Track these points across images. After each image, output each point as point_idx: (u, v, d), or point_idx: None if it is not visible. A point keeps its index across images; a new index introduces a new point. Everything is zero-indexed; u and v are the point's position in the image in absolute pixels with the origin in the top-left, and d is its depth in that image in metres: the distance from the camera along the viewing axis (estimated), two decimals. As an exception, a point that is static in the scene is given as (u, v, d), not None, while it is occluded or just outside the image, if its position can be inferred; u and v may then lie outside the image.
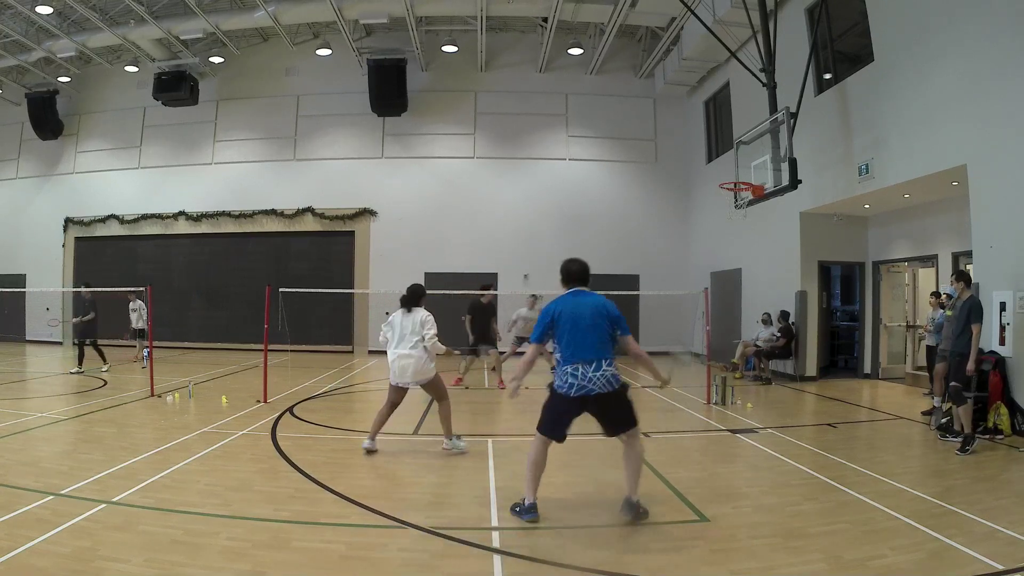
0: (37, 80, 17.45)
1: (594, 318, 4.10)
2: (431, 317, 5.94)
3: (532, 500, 4.18)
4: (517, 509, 4.22)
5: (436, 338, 5.86)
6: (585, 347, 4.03)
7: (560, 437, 4.23)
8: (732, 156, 11.71)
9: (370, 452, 5.96)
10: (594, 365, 4.01)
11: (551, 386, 4.20)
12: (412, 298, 6.02)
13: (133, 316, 13.51)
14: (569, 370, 4.04)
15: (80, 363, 11.81)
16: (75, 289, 16.47)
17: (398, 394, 6.07)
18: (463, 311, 10.71)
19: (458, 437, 6.15)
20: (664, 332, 16.23)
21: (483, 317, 10.48)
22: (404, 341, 5.89)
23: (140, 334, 13.56)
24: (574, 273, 4.34)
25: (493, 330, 10.58)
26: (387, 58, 15.87)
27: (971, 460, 5.83)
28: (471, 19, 14.98)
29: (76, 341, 12.18)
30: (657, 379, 4.48)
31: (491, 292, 10.77)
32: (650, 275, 16.38)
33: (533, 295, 11.66)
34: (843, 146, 10.29)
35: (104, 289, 12.65)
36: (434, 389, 6.04)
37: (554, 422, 4.19)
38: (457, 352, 6.48)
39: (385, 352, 6.25)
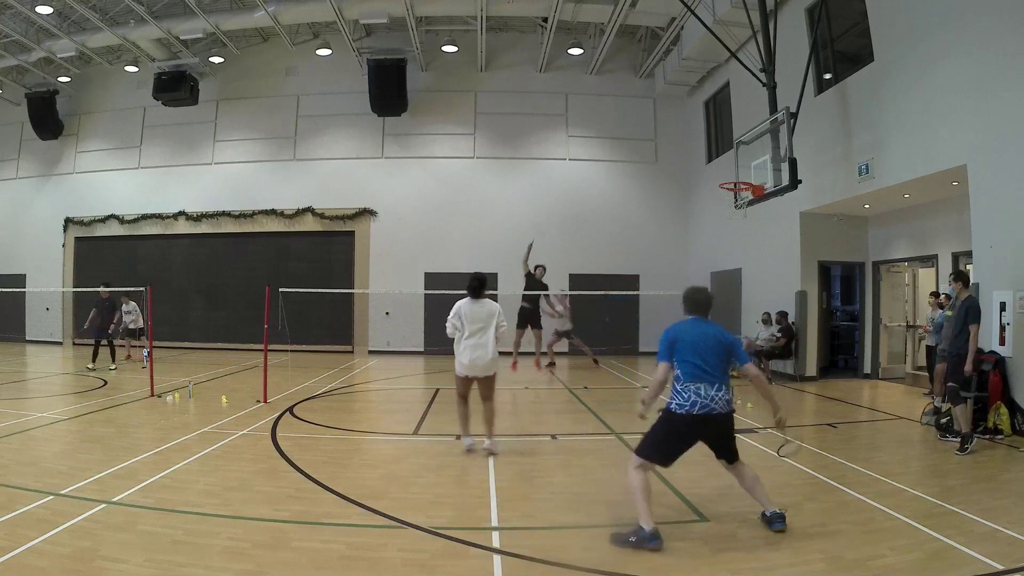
0: (37, 80, 17.44)
1: (716, 344, 4.07)
2: (501, 310, 5.89)
3: (652, 526, 3.81)
4: (633, 540, 3.79)
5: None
6: (708, 369, 3.97)
7: (667, 461, 4.07)
8: (732, 156, 11.71)
9: (471, 451, 5.92)
10: (716, 386, 3.95)
11: (665, 409, 4.07)
12: (481, 287, 5.88)
13: (127, 318, 13.64)
14: (692, 388, 3.94)
15: (94, 359, 12.00)
16: (75, 289, 16.56)
17: (467, 386, 5.96)
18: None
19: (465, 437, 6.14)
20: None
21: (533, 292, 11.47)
22: (482, 332, 5.75)
23: (132, 334, 13.68)
24: (700, 303, 4.28)
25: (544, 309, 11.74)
26: (387, 58, 15.86)
27: (971, 460, 5.83)
28: (471, 19, 14.98)
29: (96, 340, 12.25)
30: (775, 412, 4.29)
31: (542, 267, 11.88)
32: (650, 275, 16.37)
33: (562, 292, 13.22)
34: (843, 146, 10.29)
35: (101, 289, 12.68)
36: (490, 386, 5.94)
37: (664, 444, 4.02)
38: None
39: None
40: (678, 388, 4.02)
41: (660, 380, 4.11)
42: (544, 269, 12.35)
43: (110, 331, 12.21)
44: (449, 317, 5.88)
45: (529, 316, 11.92)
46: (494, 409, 5.99)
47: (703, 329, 4.15)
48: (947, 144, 8.05)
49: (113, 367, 11.92)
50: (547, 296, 12.31)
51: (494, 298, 6.00)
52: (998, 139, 7.22)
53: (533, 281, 11.98)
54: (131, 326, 13.70)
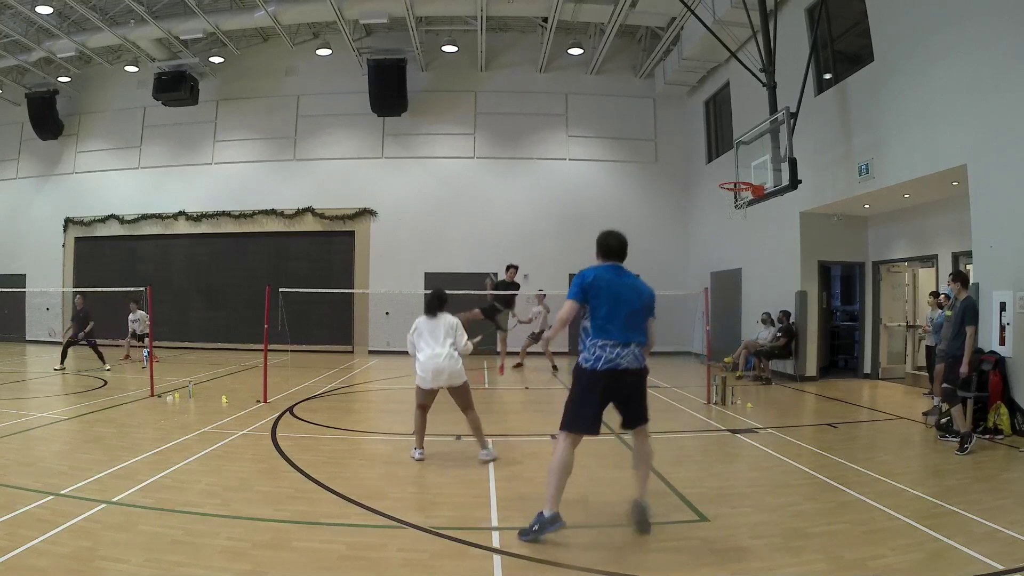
0: (37, 80, 17.44)
1: (636, 302, 3.93)
2: (461, 323, 5.84)
3: (554, 511, 3.79)
4: (535, 527, 3.79)
5: (468, 343, 5.83)
6: (621, 328, 3.83)
7: (587, 428, 3.86)
8: (732, 156, 11.70)
9: (420, 461, 5.82)
10: (626, 346, 3.83)
11: (576, 367, 3.95)
12: (438, 306, 5.87)
13: (135, 326, 13.71)
14: (599, 343, 3.81)
15: (62, 361, 12.01)
16: (75, 289, 16.57)
17: (429, 397, 5.88)
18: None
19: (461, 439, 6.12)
20: (664, 332, 16.21)
21: (507, 291, 11.26)
22: (437, 343, 5.69)
23: (137, 337, 13.77)
24: (613, 248, 4.10)
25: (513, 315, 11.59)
26: (387, 58, 15.86)
27: (971, 460, 5.83)
28: (471, 19, 14.97)
29: (70, 341, 12.28)
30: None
31: (513, 269, 11.72)
32: (650, 275, 15.99)
33: (540, 291, 12.91)
34: (843, 146, 10.29)
35: (100, 289, 12.72)
36: (463, 396, 5.84)
37: (579, 409, 3.85)
38: (477, 340, 6.37)
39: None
40: (586, 344, 3.87)
41: (563, 318, 3.91)
42: (516, 269, 12.01)
43: (78, 338, 12.04)
44: (409, 333, 5.87)
45: (494, 314, 11.40)
46: (477, 419, 5.86)
47: (624, 280, 3.98)
48: (947, 144, 8.05)
49: (107, 368, 11.84)
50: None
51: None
52: (998, 139, 7.22)
53: (507, 285, 11.62)
54: (139, 332, 13.75)
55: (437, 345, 5.69)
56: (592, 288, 3.91)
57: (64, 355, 12.14)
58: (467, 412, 5.86)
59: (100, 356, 12.01)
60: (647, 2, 13.19)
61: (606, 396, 3.89)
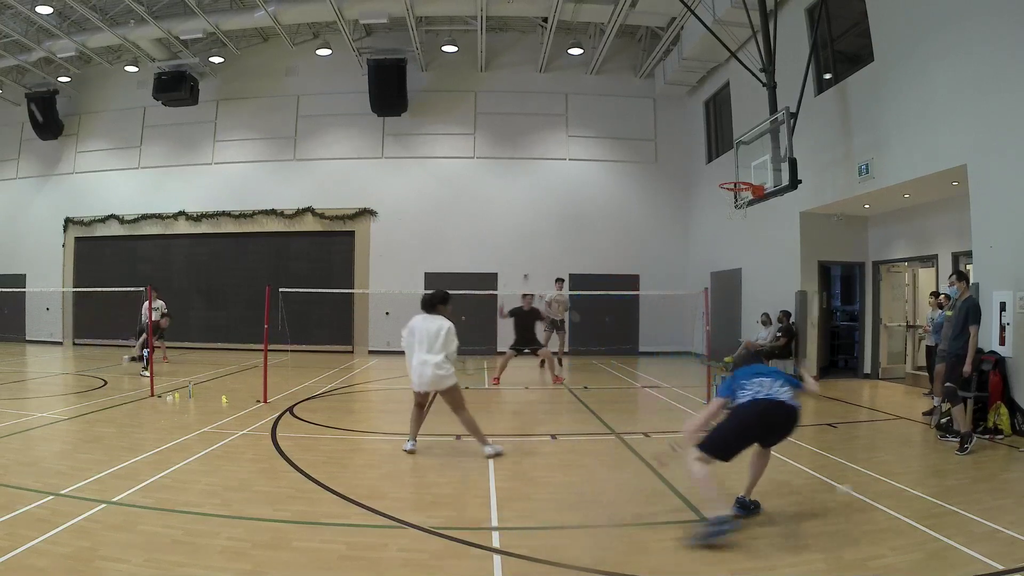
0: (37, 80, 17.44)
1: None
2: (453, 328, 5.79)
3: (727, 511, 3.98)
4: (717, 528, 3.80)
5: (456, 351, 5.77)
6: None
7: (727, 456, 4.02)
8: (732, 156, 11.70)
9: (411, 453, 5.88)
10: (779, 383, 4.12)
11: (730, 407, 4.15)
12: (431, 303, 5.90)
13: (155, 315, 13.15)
14: (754, 385, 4.10)
15: (142, 359, 11.74)
16: (75, 289, 16.57)
17: (421, 395, 5.94)
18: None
19: (457, 438, 6.12)
20: (664, 332, 16.27)
21: (526, 320, 10.98)
22: (426, 349, 5.72)
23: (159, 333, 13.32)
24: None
25: (538, 331, 11.22)
26: (387, 58, 15.86)
27: (971, 460, 5.83)
28: (471, 19, 14.97)
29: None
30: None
31: (529, 295, 11.33)
32: (650, 275, 16.38)
33: (559, 279, 13.25)
34: (843, 146, 10.29)
35: (100, 289, 12.65)
36: (451, 399, 5.85)
37: (727, 440, 4.04)
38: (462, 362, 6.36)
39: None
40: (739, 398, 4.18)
41: (712, 412, 4.23)
42: (562, 283, 12.67)
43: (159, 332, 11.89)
44: (403, 330, 5.91)
45: (525, 336, 11.08)
46: (469, 419, 5.86)
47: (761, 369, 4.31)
48: (947, 144, 8.05)
49: (145, 373, 11.55)
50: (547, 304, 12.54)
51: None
52: (998, 139, 7.22)
53: (529, 312, 11.19)
54: (163, 325, 13.12)
55: (427, 352, 5.72)
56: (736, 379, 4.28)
57: (143, 354, 11.72)
58: (458, 413, 5.88)
59: (146, 358, 11.76)
60: (647, 2, 13.19)
61: (756, 432, 4.16)
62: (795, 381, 4.24)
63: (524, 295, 11.30)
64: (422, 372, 5.70)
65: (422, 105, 16.83)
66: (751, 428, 4.06)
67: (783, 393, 4.05)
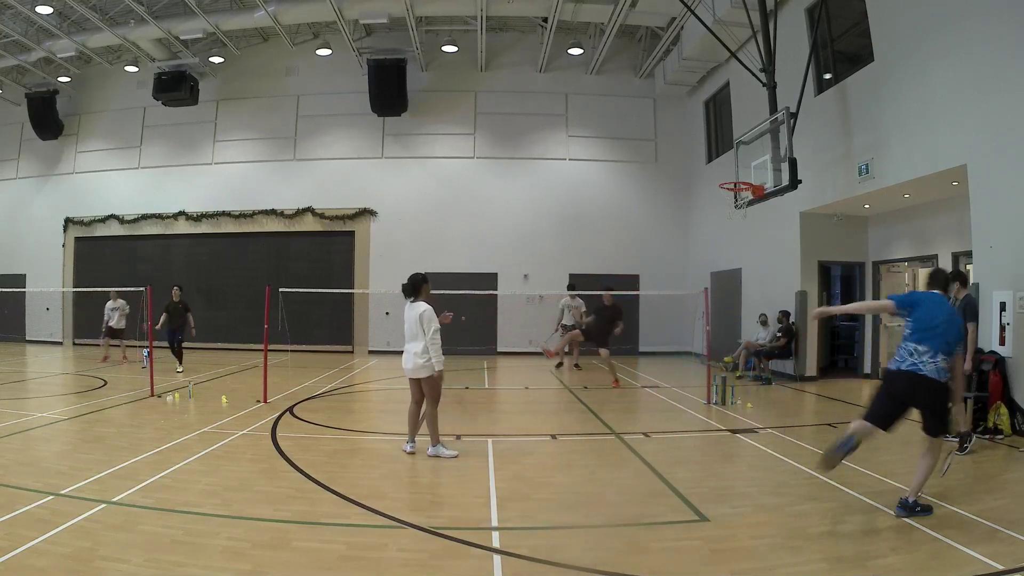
0: (37, 80, 17.43)
1: (946, 324, 4.29)
2: (430, 311, 5.81)
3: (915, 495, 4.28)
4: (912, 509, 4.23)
5: (438, 337, 5.75)
6: (930, 336, 4.23)
7: (885, 423, 4.30)
8: (732, 156, 11.70)
9: (411, 455, 5.88)
10: (930, 354, 4.20)
11: (884, 370, 4.43)
12: (410, 288, 5.96)
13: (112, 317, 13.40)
14: (910, 347, 4.27)
15: (180, 363, 11.87)
16: (75, 289, 16.57)
17: (413, 388, 6.01)
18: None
19: (442, 444, 5.94)
20: (664, 332, 16.27)
21: (603, 317, 10.91)
22: (410, 336, 5.88)
23: (116, 333, 13.43)
24: (940, 279, 4.71)
25: (610, 331, 10.92)
26: (387, 58, 15.85)
27: (971, 460, 5.83)
28: (471, 19, 14.97)
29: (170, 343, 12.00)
30: (954, 403, 4.51)
31: (609, 293, 11.13)
32: (650, 275, 16.38)
33: (571, 285, 13.63)
34: (843, 146, 10.29)
35: (100, 289, 12.68)
36: (428, 388, 5.88)
37: (881, 407, 4.32)
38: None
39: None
40: (900, 346, 4.37)
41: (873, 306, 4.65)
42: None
43: (180, 335, 11.92)
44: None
45: (594, 332, 11.05)
46: (432, 414, 5.87)
47: (944, 303, 4.44)
48: (947, 144, 8.05)
49: (180, 369, 11.67)
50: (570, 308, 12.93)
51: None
52: (998, 139, 7.22)
53: (609, 310, 11.04)
54: (113, 325, 13.36)
55: (410, 339, 5.86)
56: (914, 305, 4.45)
57: (178, 357, 11.85)
58: (428, 404, 5.91)
59: (179, 357, 11.85)
60: (647, 2, 13.18)
61: (906, 401, 4.34)
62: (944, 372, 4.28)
63: (605, 287, 11.38)
64: (405, 359, 5.88)
65: (422, 105, 16.83)
66: (897, 397, 4.31)
67: (929, 364, 4.18)
